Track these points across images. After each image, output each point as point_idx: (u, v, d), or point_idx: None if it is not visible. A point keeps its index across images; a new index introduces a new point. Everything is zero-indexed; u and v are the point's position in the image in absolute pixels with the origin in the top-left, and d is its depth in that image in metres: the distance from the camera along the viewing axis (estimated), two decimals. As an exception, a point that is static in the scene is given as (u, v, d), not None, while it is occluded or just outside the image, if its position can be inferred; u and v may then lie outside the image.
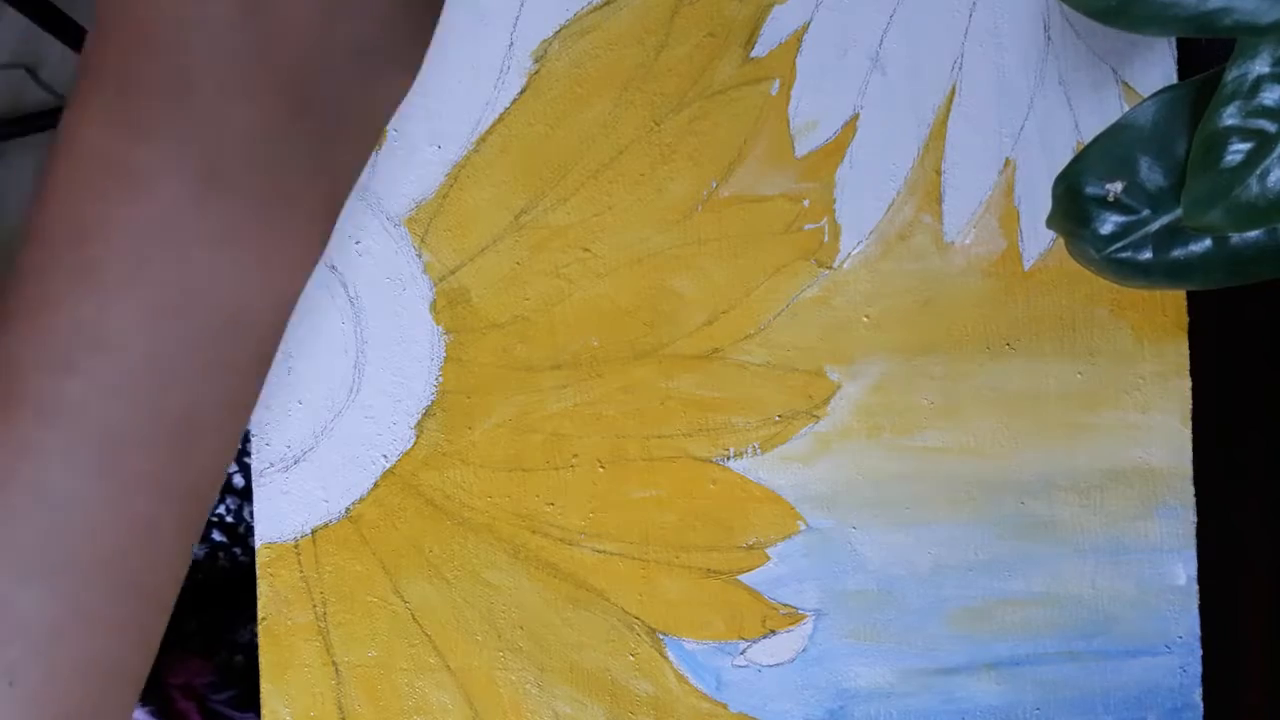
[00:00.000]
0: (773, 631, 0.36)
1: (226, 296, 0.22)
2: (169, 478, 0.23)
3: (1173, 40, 0.35)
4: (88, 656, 0.23)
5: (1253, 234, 0.28)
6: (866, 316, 0.36)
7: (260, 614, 0.36)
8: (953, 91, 0.36)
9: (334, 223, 0.24)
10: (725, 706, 0.36)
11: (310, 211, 0.23)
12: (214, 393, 0.22)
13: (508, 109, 0.36)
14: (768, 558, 0.36)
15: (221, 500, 0.60)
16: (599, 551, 0.36)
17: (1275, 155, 0.27)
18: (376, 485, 0.36)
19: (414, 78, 0.24)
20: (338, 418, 0.36)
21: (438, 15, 0.24)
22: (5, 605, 0.21)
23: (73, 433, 0.21)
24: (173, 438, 0.22)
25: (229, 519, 0.60)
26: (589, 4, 0.36)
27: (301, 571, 0.36)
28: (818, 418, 0.36)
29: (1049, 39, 0.35)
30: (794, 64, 0.36)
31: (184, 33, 0.20)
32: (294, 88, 0.21)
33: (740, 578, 0.36)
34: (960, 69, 0.36)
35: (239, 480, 0.61)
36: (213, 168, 0.21)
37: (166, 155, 0.21)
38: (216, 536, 0.59)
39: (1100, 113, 0.35)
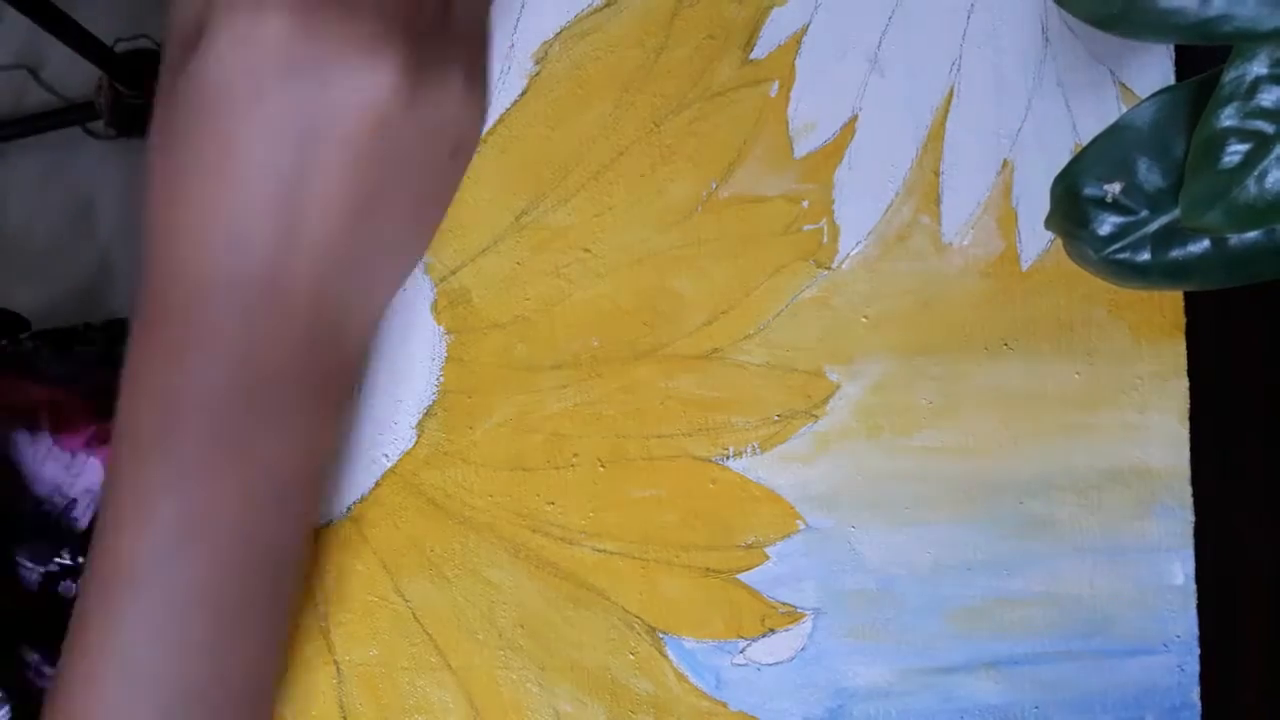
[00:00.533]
0: (772, 630, 0.36)
1: (283, 467, 0.29)
2: (269, 606, 0.30)
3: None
4: None
5: (1251, 235, 0.28)
6: (865, 317, 0.36)
7: (262, 613, 0.36)
8: (951, 93, 0.36)
9: (347, 393, 0.31)
10: (725, 705, 0.36)
11: (327, 391, 0.29)
12: (293, 548, 0.31)
13: (508, 110, 0.36)
14: (767, 557, 0.36)
15: None
16: (599, 551, 0.36)
17: (1273, 156, 0.27)
18: (378, 485, 0.36)
19: (411, 268, 0.31)
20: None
21: (430, 236, 0.32)
22: None
23: (186, 604, 0.27)
24: (268, 589, 0.29)
25: None
26: (589, 6, 0.36)
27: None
28: (817, 417, 0.36)
29: (1047, 41, 0.35)
30: (793, 66, 0.36)
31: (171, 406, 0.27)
32: (307, 320, 0.28)
33: (740, 577, 0.36)
34: (958, 70, 0.36)
35: None
36: (248, 384, 0.27)
37: (157, 493, 0.26)
38: None
39: (1098, 114, 0.35)
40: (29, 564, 0.53)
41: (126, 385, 0.27)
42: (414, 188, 0.29)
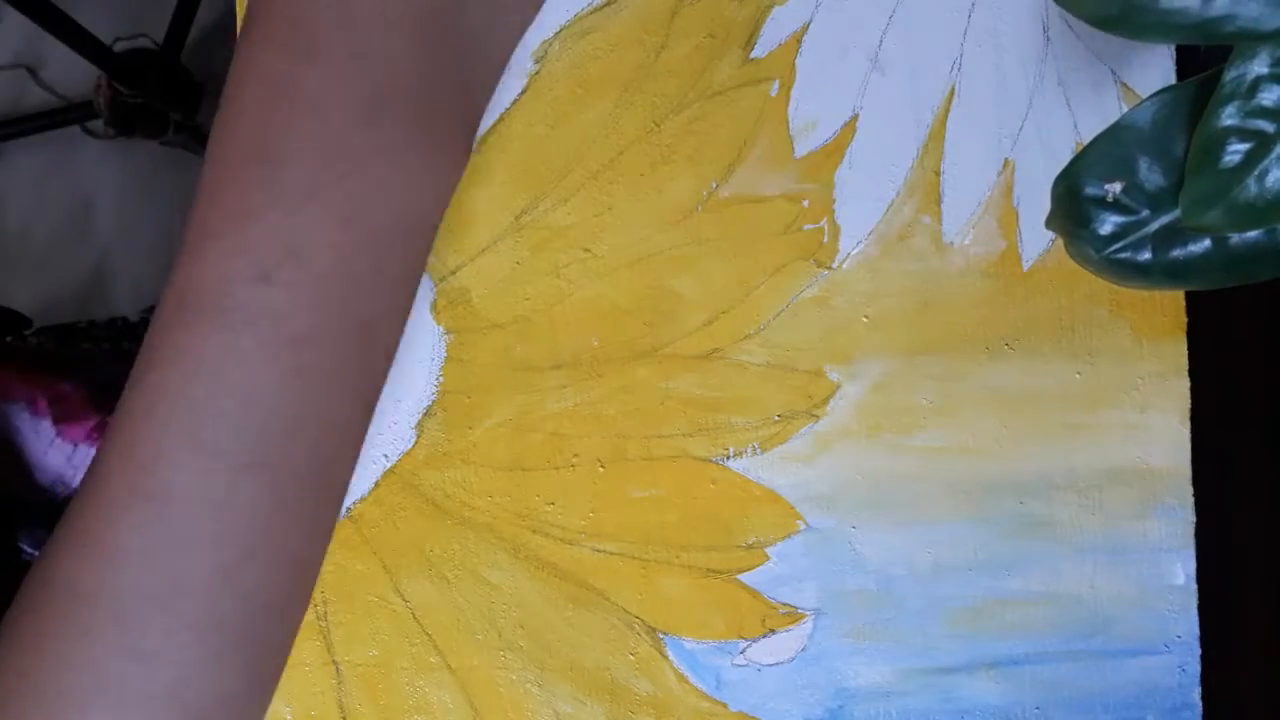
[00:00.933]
0: (772, 631, 0.36)
1: (394, 206, 0.24)
2: (353, 378, 0.25)
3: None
4: (289, 550, 0.24)
5: (1251, 234, 0.28)
6: (866, 317, 0.36)
7: (261, 613, 0.36)
8: (952, 92, 0.36)
9: (474, 138, 0.26)
10: (725, 705, 0.36)
11: (455, 129, 0.25)
12: (387, 297, 0.25)
13: (508, 110, 0.36)
14: (767, 557, 0.36)
15: None
16: (599, 551, 0.36)
17: (1274, 156, 0.27)
18: (377, 485, 0.36)
19: (535, 13, 0.27)
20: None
21: None
22: (222, 505, 0.23)
23: (272, 339, 0.23)
24: (356, 341, 0.24)
25: None
26: (589, 5, 0.36)
27: (302, 571, 0.36)
28: (817, 417, 0.36)
29: (1048, 40, 0.35)
30: (793, 65, 0.36)
31: None
32: (437, 20, 0.24)
33: (740, 577, 0.36)
34: (959, 70, 0.36)
35: None
36: (375, 90, 0.23)
37: (336, 79, 0.23)
38: None
39: (1099, 113, 0.35)
40: (30, 550, 0.53)
41: (233, 84, 0.24)
42: None
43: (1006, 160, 0.36)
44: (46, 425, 0.54)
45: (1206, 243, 0.29)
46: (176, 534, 0.23)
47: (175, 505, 0.23)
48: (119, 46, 1.12)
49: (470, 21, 0.25)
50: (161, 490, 0.23)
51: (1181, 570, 0.36)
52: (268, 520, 0.24)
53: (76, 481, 0.55)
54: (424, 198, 0.25)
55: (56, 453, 0.54)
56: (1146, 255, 0.29)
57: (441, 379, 0.36)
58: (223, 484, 0.23)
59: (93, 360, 0.59)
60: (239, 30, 0.24)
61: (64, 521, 0.24)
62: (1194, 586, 0.36)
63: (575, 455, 0.36)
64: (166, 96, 1.08)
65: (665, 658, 0.36)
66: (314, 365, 0.24)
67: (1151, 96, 0.29)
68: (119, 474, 0.23)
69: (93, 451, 0.55)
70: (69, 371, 0.56)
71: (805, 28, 0.36)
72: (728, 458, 0.36)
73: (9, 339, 0.61)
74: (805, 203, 0.36)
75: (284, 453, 0.24)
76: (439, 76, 0.25)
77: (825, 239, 0.36)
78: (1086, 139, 0.31)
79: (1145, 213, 0.29)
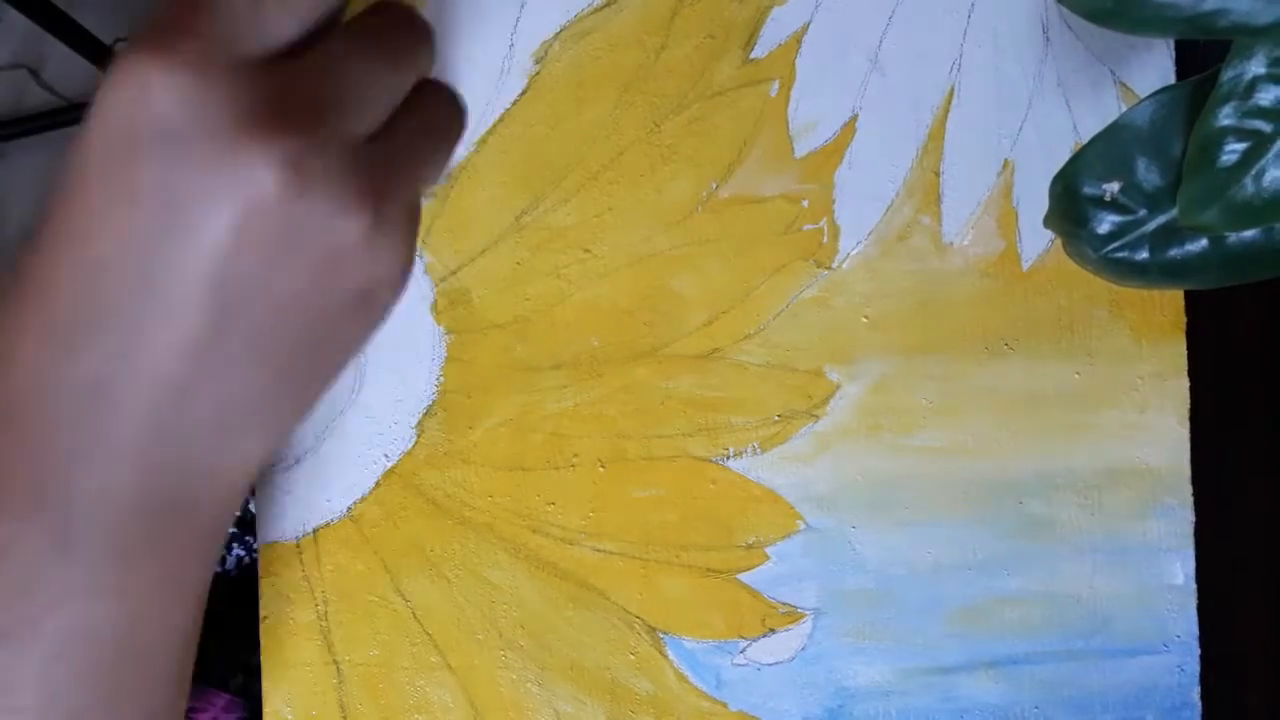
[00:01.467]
0: (772, 630, 0.36)
1: (112, 635, 0.23)
2: None
3: (1171, 41, 0.36)
4: None
5: (1249, 233, 0.28)
6: (866, 317, 0.36)
7: (262, 613, 0.36)
8: (951, 93, 0.36)
9: (215, 553, 0.24)
10: (725, 705, 0.36)
11: (177, 551, 0.23)
12: (129, 714, 0.24)
13: (508, 110, 0.36)
14: (767, 557, 0.36)
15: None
16: (599, 551, 0.36)
17: (1271, 155, 0.27)
18: (378, 485, 0.36)
19: (281, 442, 0.25)
20: (339, 417, 0.36)
21: (317, 395, 0.24)
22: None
23: None
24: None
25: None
26: (589, 5, 0.36)
27: (303, 570, 0.36)
28: (817, 417, 0.36)
29: (1047, 40, 0.35)
30: (793, 65, 0.36)
31: (36, 410, 0.21)
32: (143, 456, 0.22)
33: (740, 577, 0.36)
34: (959, 70, 0.36)
35: None
36: (65, 532, 0.22)
37: (19, 527, 0.21)
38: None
39: (1098, 113, 0.35)
40: None
41: None
42: (295, 324, 0.22)
43: (1006, 160, 0.36)
44: None
45: (1204, 242, 0.29)
46: None
47: None
48: (119, 47, 1.12)
49: (198, 461, 0.23)
50: None
51: (1180, 570, 0.36)
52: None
53: None
54: (138, 624, 0.23)
55: None
56: (1144, 254, 0.29)
57: (442, 379, 0.36)
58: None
59: None
60: None
61: None
62: (1193, 586, 0.36)
63: (575, 455, 0.36)
64: (167, 97, 1.07)
65: (665, 657, 0.36)
66: None
67: (1150, 96, 0.29)
68: None
69: None
70: None
71: (805, 28, 0.36)
72: (728, 457, 0.36)
73: None
74: (805, 203, 0.36)
75: None
76: (146, 508, 0.22)
77: (825, 239, 0.36)
78: (1086, 139, 0.31)
79: (1143, 212, 0.29)
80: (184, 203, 0.20)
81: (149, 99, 0.20)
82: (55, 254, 0.21)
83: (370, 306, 0.23)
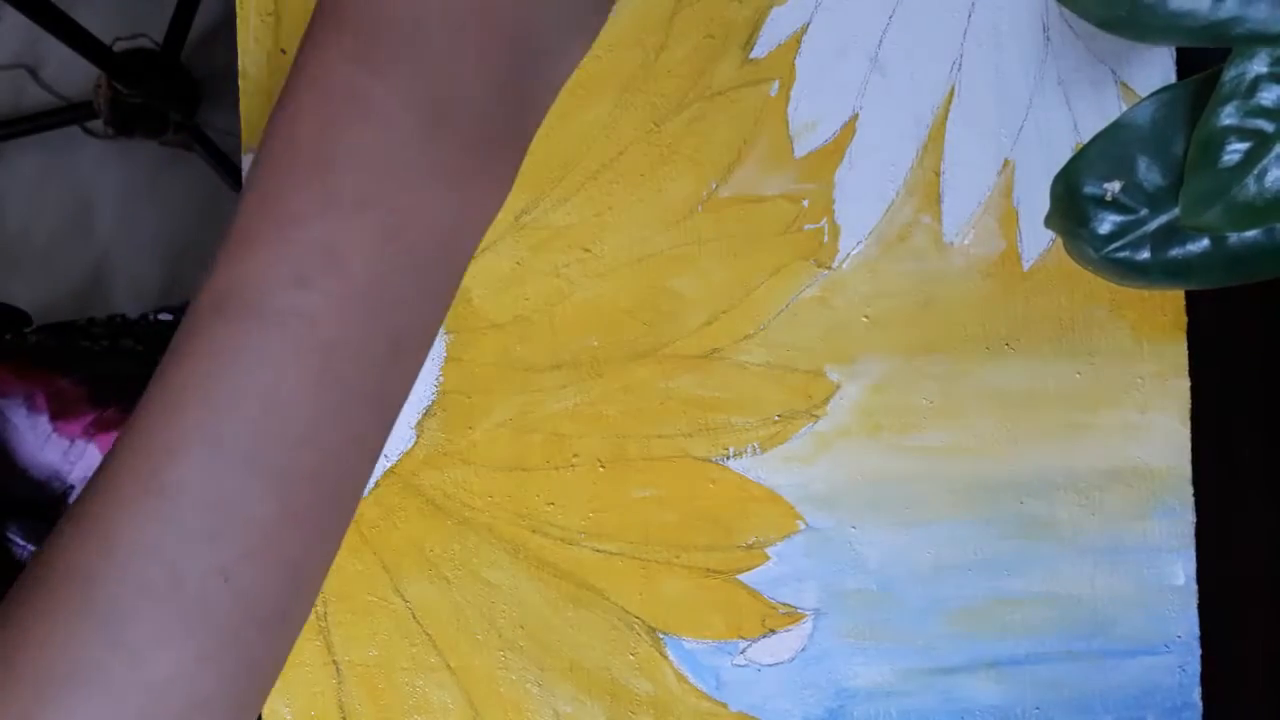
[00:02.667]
0: (772, 631, 0.36)
1: (440, 225, 0.24)
2: (378, 392, 0.24)
3: (1171, 41, 0.35)
4: (293, 558, 0.24)
5: (1251, 233, 0.28)
6: (866, 316, 0.36)
7: (261, 613, 0.36)
8: (952, 92, 0.36)
9: (520, 164, 0.25)
10: (725, 706, 0.36)
11: (507, 152, 0.24)
12: (420, 316, 0.24)
13: (508, 109, 0.36)
14: (767, 557, 0.36)
15: None
16: (599, 551, 0.36)
17: (1273, 155, 0.27)
18: (377, 485, 0.36)
19: (591, 44, 0.26)
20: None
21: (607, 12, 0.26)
22: (230, 505, 0.23)
23: (303, 344, 0.23)
24: (384, 354, 0.24)
25: None
26: (589, 5, 0.36)
27: (302, 571, 0.36)
28: (817, 417, 0.36)
29: (1048, 39, 0.35)
30: (793, 65, 0.36)
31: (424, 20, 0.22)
32: (509, 39, 0.23)
33: (740, 577, 0.36)
34: (959, 70, 0.36)
35: None
36: (439, 107, 0.23)
37: (402, 91, 0.22)
38: None
39: (1099, 113, 0.35)
40: (20, 541, 0.53)
41: (293, 87, 0.23)
42: None
43: (1006, 160, 0.36)
44: (44, 421, 0.54)
45: (1205, 242, 0.29)
46: (179, 528, 0.23)
47: (181, 500, 0.23)
48: (119, 46, 1.12)
49: (539, 42, 0.24)
50: (169, 484, 0.23)
51: (1181, 570, 0.36)
52: (272, 524, 0.23)
53: (72, 477, 0.55)
54: (469, 220, 0.25)
55: (53, 448, 0.54)
56: (1145, 254, 0.29)
57: (441, 379, 0.36)
58: (231, 484, 0.23)
59: (91, 357, 0.59)
60: (305, 33, 0.24)
61: (73, 506, 0.24)
62: (1194, 586, 0.36)
63: (575, 455, 0.36)
64: (166, 96, 1.08)
65: (665, 658, 0.36)
66: (339, 374, 0.23)
67: (1151, 96, 0.29)
68: (130, 464, 0.23)
69: (89, 446, 0.55)
70: (67, 367, 0.56)
71: (805, 28, 0.36)
72: (728, 458, 0.36)
73: (8, 336, 0.61)
74: (805, 203, 0.36)
75: (297, 459, 0.23)
76: (502, 97, 0.24)
77: (825, 239, 0.36)
78: (1086, 138, 0.31)
79: (1144, 212, 0.29)
80: None
81: None
82: None
83: None
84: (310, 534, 0.24)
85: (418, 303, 0.24)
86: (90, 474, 0.55)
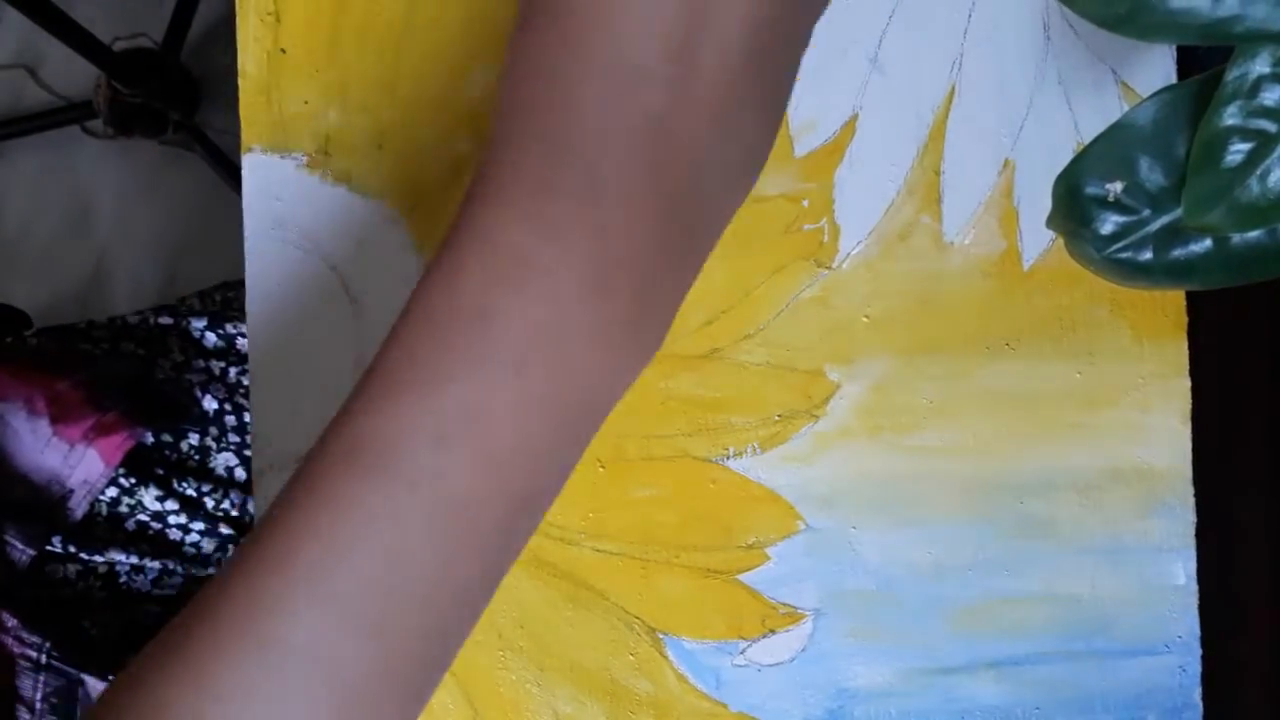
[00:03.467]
0: (772, 631, 0.36)
1: (590, 388, 0.23)
2: (495, 552, 0.24)
3: (1172, 40, 0.35)
4: (384, 712, 0.24)
5: (1253, 234, 0.28)
6: (866, 316, 0.36)
7: (260, 613, 0.36)
8: (952, 92, 0.36)
9: (671, 324, 0.25)
10: (725, 706, 0.36)
11: (664, 314, 0.24)
12: (554, 475, 0.24)
13: (508, 109, 0.36)
14: (768, 557, 0.36)
15: (226, 495, 0.60)
16: (599, 551, 0.36)
17: (1276, 155, 0.27)
18: (377, 485, 0.36)
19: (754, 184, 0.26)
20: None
21: (776, 129, 0.25)
22: (331, 662, 0.22)
23: (434, 505, 0.22)
24: (514, 515, 0.24)
25: (234, 513, 0.60)
26: (589, 4, 0.36)
27: (302, 571, 0.36)
28: (817, 417, 0.36)
29: (1048, 39, 0.35)
30: (794, 64, 0.36)
31: (600, 145, 0.22)
32: (679, 202, 0.23)
33: (740, 577, 0.36)
34: (960, 69, 0.36)
35: (241, 474, 0.61)
36: (606, 272, 0.22)
37: (571, 256, 0.22)
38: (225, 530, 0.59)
39: (1100, 113, 0.35)
40: (20, 545, 0.53)
41: (460, 241, 0.23)
42: (785, 59, 0.24)
43: (1007, 160, 0.36)
44: (44, 425, 0.54)
45: (1208, 242, 0.29)
46: (279, 682, 0.22)
47: (284, 654, 0.22)
48: (118, 46, 1.12)
49: (703, 207, 0.24)
50: (275, 637, 0.22)
51: (1182, 570, 0.36)
52: (373, 684, 0.23)
53: (72, 480, 0.55)
54: (618, 382, 0.24)
55: (53, 452, 0.54)
56: (1148, 255, 0.29)
57: (441, 379, 0.36)
58: (337, 643, 0.22)
59: (92, 360, 0.59)
60: (475, 189, 0.24)
61: (166, 636, 0.24)
62: (1195, 586, 0.36)
63: (575, 455, 0.36)
64: (166, 96, 1.08)
65: (665, 658, 0.36)
66: (466, 536, 0.23)
67: (1152, 96, 0.29)
68: (237, 611, 0.23)
69: (89, 451, 0.55)
70: (67, 371, 0.56)
71: (805, 27, 0.36)
72: (728, 457, 0.36)
73: (9, 339, 0.61)
74: (805, 202, 0.36)
75: (407, 620, 0.23)
76: (665, 263, 0.23)
77: (825, 239, 0.36)
78: (1087, 139, 0.31)
79: (1146, 212, 0.29)
80: None
81: None
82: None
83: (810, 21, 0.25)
84: (407, 693, 0.24)
85: (554, 463, 0.24)
86: (90, 478, 0.55)
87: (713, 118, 0.23)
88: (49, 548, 0.55)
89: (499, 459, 0.23)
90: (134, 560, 0.57)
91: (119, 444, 0.55)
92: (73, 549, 0.55)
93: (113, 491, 0.56)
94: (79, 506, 0.55)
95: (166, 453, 0.59)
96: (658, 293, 0.24)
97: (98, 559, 0.56)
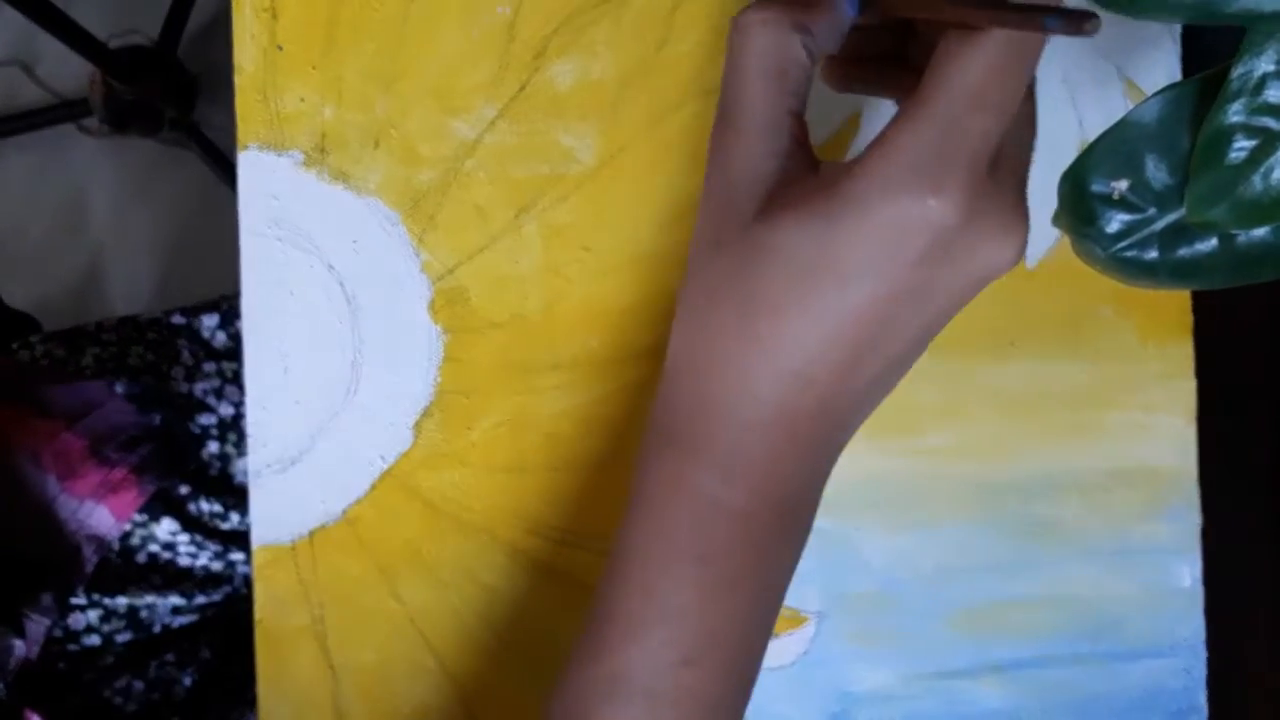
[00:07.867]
0: (774, 634, 0.36)
1: (781, 584, 0.29)
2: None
3: (1177, 37, 0.35)
4: None
5: (1259, 232, 0.28)
6: (868, 316, 0.36)
7: (257, 616, 0.36)
8: (955, 89, 0.35)
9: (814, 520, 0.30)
10: (726, 709, 0.36)
11: (810, 516, 0.29)
12: (761, 650, 0.29)
13: (507, 106, 0.35)
14: (769, 559, 0.36)
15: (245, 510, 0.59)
16: (600, 553, 0.36)
17: (1279, 153, 0.26)
18: (374, 486, 0.36)
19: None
20: (335, 418, 0.36)
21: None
22: None
23: (691, 713, 0.28)
24: (744, 691, 0.29)
25: (240, 527, 0.59)
26: (590, 0, 0.35)
27: (299, 574, 0.36)
28: (819, 418, 0.36)
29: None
30: (795, 61, 0.35)
31: (729, 406, 0.27)
32: (830, 449, 0.28)
33: (741, 579, 0.36)
34: (963, 66, 0.35)
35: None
36: (782, 503, 0.28)
37: (754, 495, 0.27)
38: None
39: (1103, 110, 0.35)
40: (36, 617, 0.52)
41: (656, 494, 0.28)
42: (931, 330, 0.28)
43: (1010, 158, 0.35)
44: (51, 480, 0.54)
45: (1213, 241, 0.28)
46: None
47: None
48: (114, 43, 1.12)
49: (843, 435, 0.28)
50: None
51: (1188, 572, 0.35)
52: None
53: (82, 534, 0.54)
54: (792, 572, 0.29)
55: (62, 507, 0.54)
56: (1153, 253, 0.29)
57: (439, 379, 0.36)
58: None
59: (93, 398, 0.58)
60: (652, 456, 0.28)
61: None
62: (1200, 589, 0.35)
63: (574, 456, 0.36)
64: (162, 93, 1.07)
65: (665, 661, 0.36)
66: None
67: (1157, 93, 0.28)
68: None
69: (99, 508, 0.54)
70: (69, 416, 0.56)
71: (807, 24, 0.35)
72: (728, 459, 0.36)
73: (14, 345, 0.60)
74: (807, 201, 0.35)
75: None
76: (814, 484, 0.29)
77: (827, 237, 0.35)
78: (1091, 136, 0.31)
79: (1152, 210, 0.29)
80: (938, 282, 0.26)
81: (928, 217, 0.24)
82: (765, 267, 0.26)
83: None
84: None
85: (764, 642, 0.29)
86: (102, 531, 0.54)
87: (858, 407, 0.28)
88: (67, 612, 0.54)
89: (734, 663, 0.28)
90: (150, 599, 0.56)
91: (130, 501, 0.55)
92: (95, 596, 0.55)
93: (125, 525, 0.56)
94: (90, 560, 0.55)
95: (180, 491, 0.58)
96: (807, 506, 0.29)
97: (120, 601, 0.56)
